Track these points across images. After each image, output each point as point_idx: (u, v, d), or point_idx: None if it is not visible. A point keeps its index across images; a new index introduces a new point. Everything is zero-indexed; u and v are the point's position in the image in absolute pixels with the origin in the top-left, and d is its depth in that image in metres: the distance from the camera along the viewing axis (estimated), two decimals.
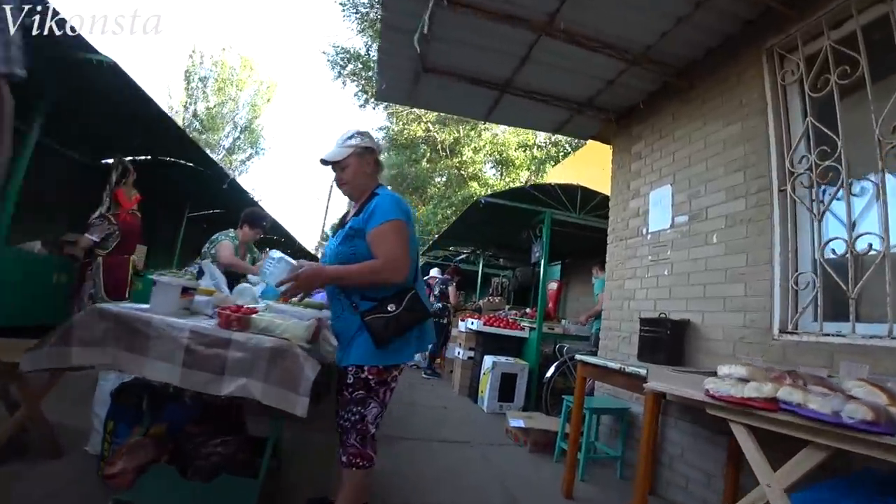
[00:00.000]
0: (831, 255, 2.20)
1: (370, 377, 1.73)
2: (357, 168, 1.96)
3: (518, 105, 4.21)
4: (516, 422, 3.77)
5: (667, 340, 2.74)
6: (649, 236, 3.50)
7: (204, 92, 25.88)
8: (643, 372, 2.12)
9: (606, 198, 4.39)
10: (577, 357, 2.75)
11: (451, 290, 6.77)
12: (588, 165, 7.83)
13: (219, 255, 3.56)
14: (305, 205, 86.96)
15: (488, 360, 4.88)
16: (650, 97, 3.78)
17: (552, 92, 3.96)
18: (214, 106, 25.90)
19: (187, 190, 8.33)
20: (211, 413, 2.32)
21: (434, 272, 7.54)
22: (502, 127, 19.08)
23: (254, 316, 1.98)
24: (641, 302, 3.44)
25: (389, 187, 2.07)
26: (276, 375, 1.83)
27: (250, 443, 2.29)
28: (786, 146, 2.55)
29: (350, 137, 1.99)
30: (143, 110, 4.93)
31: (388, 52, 3.67)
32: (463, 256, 11.35)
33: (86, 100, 4.89)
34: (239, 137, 27.38)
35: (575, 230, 6.10)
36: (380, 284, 1.73)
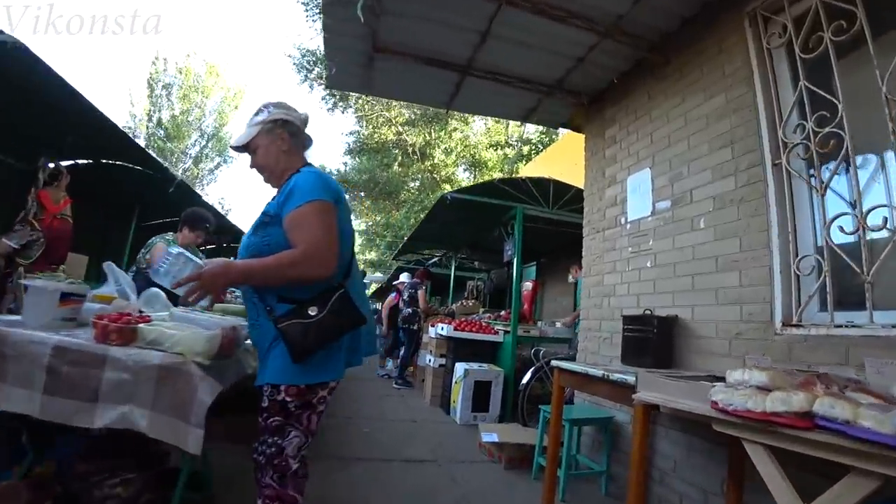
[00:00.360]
0: (839, 235, 1.90)
1: (288, 399, 1.33)
2: (269, 147, 1.59)
3: (482, 89, 3.87)
4: (489, 436, 3.39)
5: (654, 340, 2.41)
6: (628, 226, 3.18)
7: (168, 100, 24.99)
8: (631, 380, 1.77)
9: (580, 191, 4.07)
10: (554, 363, 2.39)
11: (421, 293, 6.36)
12: (560, 162, 7.57)
13: (153, 261, 3.08)
14: None
15: (460, 368, 4.50)
16: (624, 77, 3.48)
17: (518, 73, 3.63)
18: (180, 114, 24.98)
19: (136, 195, 7.69)
20: (114, 444, 1.87)
21: (403, 277, 7.14)
22: (474, 127, 18.87)
23: (140, 325, 1.55)
24: (623, 298, 3.11)
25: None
26: (166, 400, 1.43)
27: (163, 479, 1.85)
28: (777, 115, 2.26)
29: (257, 114, 1.62)
30: (70, 105, 4.37)
31: (333, 31, 3.27)
32: (435, 260, 10.97)
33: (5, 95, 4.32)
34: (206, 146, 26.51)
35: (549, 226, 5.80)
36: (299, 281, 1.33)
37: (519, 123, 17.20)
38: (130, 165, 6.42)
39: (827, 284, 1.90)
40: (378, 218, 22.24)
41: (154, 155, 6.82)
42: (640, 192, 3.12)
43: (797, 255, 2.06)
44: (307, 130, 1.75)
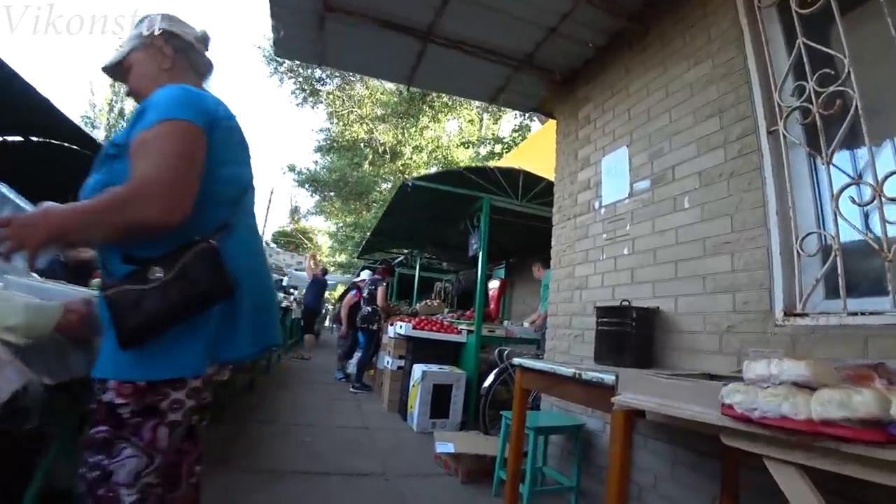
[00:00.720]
0: (849, 207, 1.61)
1: (119, 401, 0.91)
2: (144, 65, 1.18)
3: (446, 62, 3.51)
4: (445, 446, 3.00)
5: (632, 335, 2.08)
6: (603, 210, 2.87)
7: None
8: (609, 379, 1.41)
9: (551, 184, 3.73)
10: (517, 361, 2.02)
11: (381, 290, 5.91)
12: (531, 158, 7.29)
13: None
14: None
15: (418, 370, 4.09)
16: (600, 53, 3.19)
17: (484, 43, 3.28)
18: None
19: (74, 177, 6.94)
20: None
21: (364, 274, 6.70)
22: (448, 128, 18.57)
23: None
24: (596, 291, 2.79)
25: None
26: None
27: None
28: (772, 78, 1.98)
29: (137, 26, 1.21)
30: None
31: None
32: (401, 259, 10.53)
33: None
34: None
35: (518, 219, 5.49)
36: (136, 229, 0.91)
37: (493, 121, 17.05)
38: (66, 145, 5.74)
39: (838, 265, 1.60)
40: (348, 219, 21.64)
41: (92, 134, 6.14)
42: (615, 172, 2.81)
43: (799, 234, 1.76)
44: (208, 56, 1.35)
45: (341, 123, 19.81)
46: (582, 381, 1.55)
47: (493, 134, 16.12)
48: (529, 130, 13.16)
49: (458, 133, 18.01)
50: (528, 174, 5.16)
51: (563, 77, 3.57)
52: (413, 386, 4.16)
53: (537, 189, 5.13)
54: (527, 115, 14.76)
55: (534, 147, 6.95)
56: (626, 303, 2.19)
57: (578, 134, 3.33)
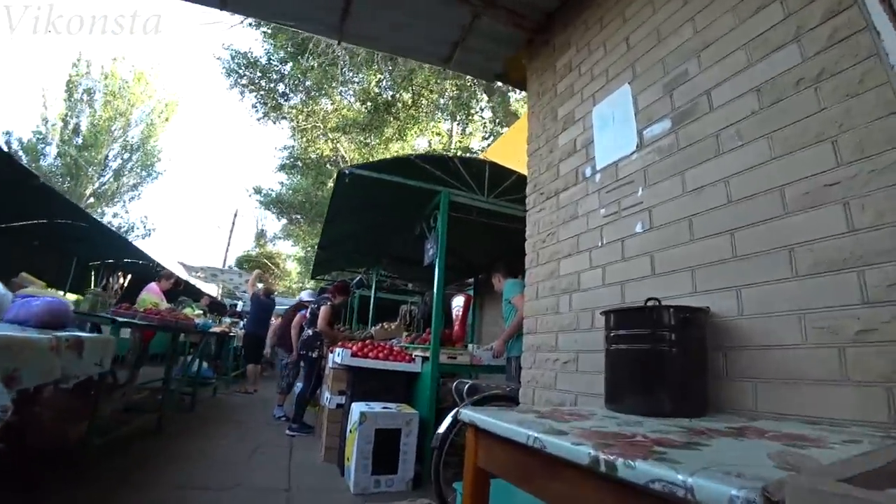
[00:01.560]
0: None
1: None
2: None
3: (385, 6, 2.67)
4: None
5: (671, 357, 1.18)
6: (598, 176, 2.02)
7: (90, 106, 22.22)
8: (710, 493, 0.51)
9: (524, 179, 2.85)
10: (466, 417, 1.08)
11: (324, 310, 4.89)
12: (501, 161, 6.51)
13: None
14: (207, 234, 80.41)
15: (356, 410, 3.09)
16: None
17: None
18: (101, 121, 22.24)
19: None
20: None
21: (304, 294, 5.69)
22: (415, 145, 17.84)
23: None
24: (595, 292, 1.90)
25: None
26: None
27: None
28: None
29: None
30: None
31: None
32: (361, 278, 9.51)
33: None
34: (129, 159, 23.77)
35: (485, 223, 4.61)
36: None
37: (462, 134, 16.37)
38: None
39: None
40: (315, 242, 20.49)
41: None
42: (614, 122, 1.98)
43: None
44: None
45: (305, 140, 18.87)
46: (616, 480, 0.63)
47: (463, 145, 15.45)
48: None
49: (426, 149, 17.31)
50: (495, 166, 4.33)
51: (536, 24, 2.77)
52: (350, 430, 3.16)
53: (507, 184, 4.29)
54: (497, 122, 14.18)
55: (504, 148, 6.16)
56: (656, 302, 1.31)
57: (557, 88, 2.50)
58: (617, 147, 1.93)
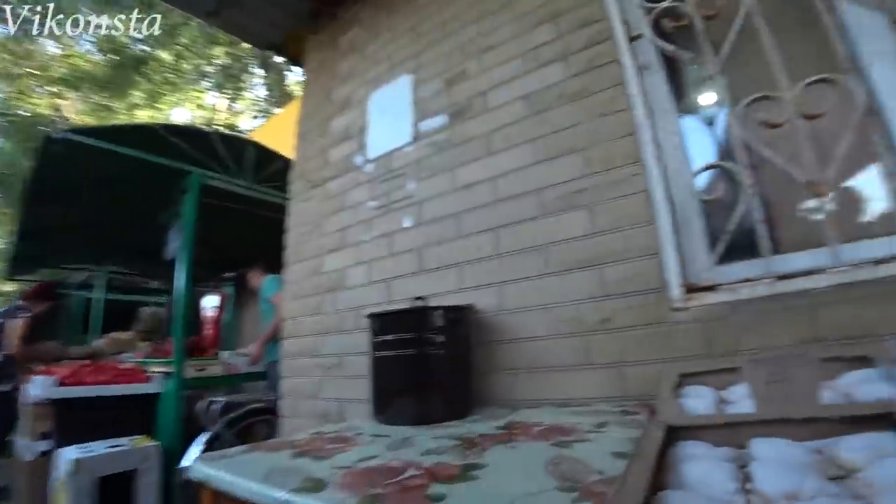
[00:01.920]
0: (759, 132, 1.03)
1: None
2: None
3: None
4: None
5: (439, 359, 1.06)
6: (371, 166, 1.85)
7: None
8: None
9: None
10: (196, 473, 0.70)
11: (13, 325, 3.33)
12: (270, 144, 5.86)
13: None
14: None
15: (65, 457, 2.10)
16: None
17: None
18: None
19: None
20: None
21: None
22: (171, 116, 14.81)
23: None
24: (362, 291, 1.70)
25: None
26: None
27: None
28: None
29: None
30: None
31: None
32: (84, 278, 7.12)
33: None
34: None
35: (249, 213, 3.97)
36: None
37: (228, 108, 14.39)
38: None
39: (754, 210, 0.97)
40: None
41: None
42: (391, 111, 1.86)
43: (693, 169, 1.11)
44: None
45: (13, 89, 13.39)
46: None
47: (229, 124, 13.57)
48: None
49: (185, 123, 14.56)
50: (262, 148, 3.80)
51: None
52: (59, 484, 2.12)
53: (275, 169, 3.80)
54: (273, 102, 12.99)
55: (275, 131, 5.56)
56: (422, 302, 1.17)
57: (337, 68, 2.27)
58: (392, 138, 1.81)
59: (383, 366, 1.11)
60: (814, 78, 0.99)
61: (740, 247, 1.01)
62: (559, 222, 1.22)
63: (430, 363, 1.04)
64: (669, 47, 1.21)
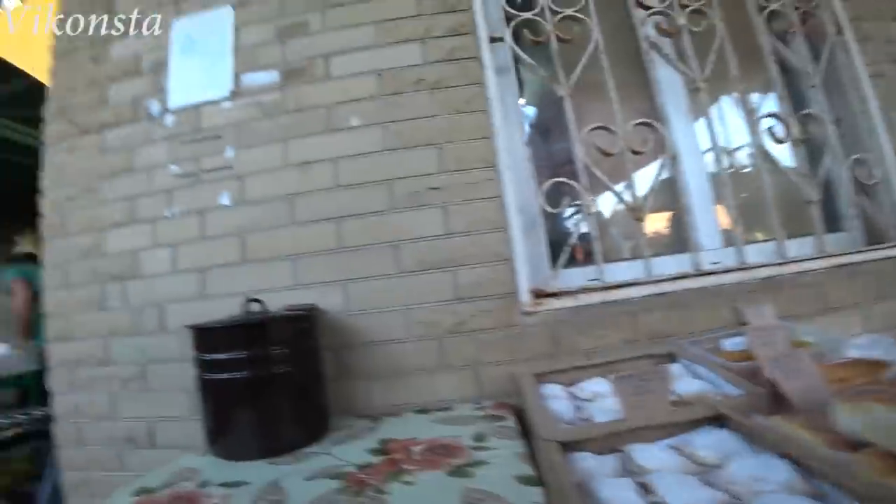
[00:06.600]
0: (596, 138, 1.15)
1: None
2: None
3: None
4: None
5: (289, 381, 0.90)
6: (171, 118, 1.45)
7: None
8: None
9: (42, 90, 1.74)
10: None
11: None
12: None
13: None
14: None
15: None
16: None
17: None
18: None
19: None
20: None
21: None
22: None
23: None
24: (165, 281, 1.34)
25: None
26: None
27: None
28: None
29: None
30: None
31: None
32: None
33: None
34: None
35: None
36: None
37: None
38: None
39: (588, 223, 1.09)
40: None
41: None
42: (203, 50, 1.48)
43: (548, 173, 1.17)
44: None
45: None
46: None
47: None
48: None
49: None
50: None
51: None
52: None
53: (16, 91, 2.75)
54: None
55: (15, 36, 3.99)
56: (257, 302, 0.98)
57: None
58: (203, 85, 1.45)
59: (216, 389, 0.90)
60: (639, 121, 1.13)
61: (577, 257, 1.12)
62: (413, 219, 1.15)
63: (277, 384, 0.88)
64: (529, 60, 1.22)
